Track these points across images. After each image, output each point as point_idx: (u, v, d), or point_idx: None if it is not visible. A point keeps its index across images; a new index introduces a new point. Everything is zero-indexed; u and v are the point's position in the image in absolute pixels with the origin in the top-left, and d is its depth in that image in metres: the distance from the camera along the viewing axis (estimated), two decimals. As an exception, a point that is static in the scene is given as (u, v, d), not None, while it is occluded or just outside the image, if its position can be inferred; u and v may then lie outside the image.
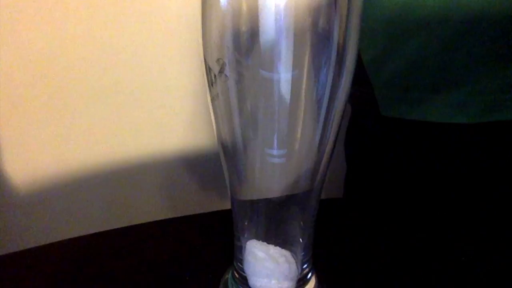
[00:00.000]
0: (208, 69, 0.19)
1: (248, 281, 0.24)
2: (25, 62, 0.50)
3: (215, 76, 0.19)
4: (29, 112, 0.52)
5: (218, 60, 0.19)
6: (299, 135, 0.20)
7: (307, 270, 0.25)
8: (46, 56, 0.50)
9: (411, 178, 0.42)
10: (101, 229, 0.35)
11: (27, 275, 0.30)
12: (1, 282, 0.29)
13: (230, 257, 0.26)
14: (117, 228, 0.35)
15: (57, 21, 0.49)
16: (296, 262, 0.24)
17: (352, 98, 0.48)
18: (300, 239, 0.24)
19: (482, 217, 0.37)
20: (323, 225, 0.26)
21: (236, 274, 0.25)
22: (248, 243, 0.24)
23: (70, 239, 0.34)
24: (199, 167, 0.62)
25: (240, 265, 0.24)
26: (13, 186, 0.54)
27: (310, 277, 0.25)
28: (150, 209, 0.60)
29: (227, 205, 0.25)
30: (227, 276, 0.26)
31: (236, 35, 0.18)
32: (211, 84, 0.20)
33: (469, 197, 0.39)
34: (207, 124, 0.59)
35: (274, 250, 0.23)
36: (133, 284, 0.28)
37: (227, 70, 0.19)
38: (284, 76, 0.18)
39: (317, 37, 0.18)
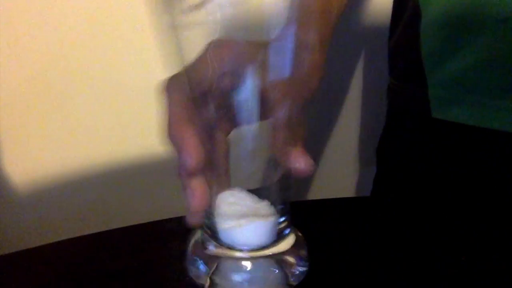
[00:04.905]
0: None
1: (217, 227, 0.23)
2: (25, 62, 0.50)
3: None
4: (29, 112, 0.52)
5: None
6: None
7: (285, 224, 0.23)
8: (46, 55, 0.50)
9: (459, 188, 0.38)
10: (101, 229, 0.35)
11: (27, 275, 0.30)
12: (1, 282, 0.29)
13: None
14: (117, 228, 0.35)
15: (57, 20, 0.49)
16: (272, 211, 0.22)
17: (391, 95, 0.45)
18: (277, 191, 0.23)
19: None
20: (330, 226, 0.25)
21: (205, 234, 0.24)
22: (220, 195, 0.23)
23: (70, 239, 0.33)
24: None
25: (208, 221, 0.23)
26: (13, 186, 0.54)
27: (289, 233, 0.24)
28: (151, 209, 0.60)
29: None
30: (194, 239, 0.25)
31: None
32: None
33: None
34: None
35: (248, 196, 0.22)
36: (133, 284, 0.28)
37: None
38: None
39: None
